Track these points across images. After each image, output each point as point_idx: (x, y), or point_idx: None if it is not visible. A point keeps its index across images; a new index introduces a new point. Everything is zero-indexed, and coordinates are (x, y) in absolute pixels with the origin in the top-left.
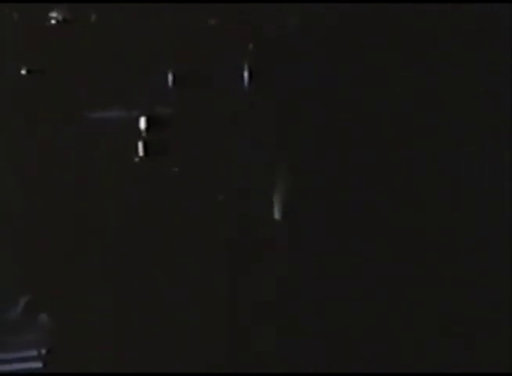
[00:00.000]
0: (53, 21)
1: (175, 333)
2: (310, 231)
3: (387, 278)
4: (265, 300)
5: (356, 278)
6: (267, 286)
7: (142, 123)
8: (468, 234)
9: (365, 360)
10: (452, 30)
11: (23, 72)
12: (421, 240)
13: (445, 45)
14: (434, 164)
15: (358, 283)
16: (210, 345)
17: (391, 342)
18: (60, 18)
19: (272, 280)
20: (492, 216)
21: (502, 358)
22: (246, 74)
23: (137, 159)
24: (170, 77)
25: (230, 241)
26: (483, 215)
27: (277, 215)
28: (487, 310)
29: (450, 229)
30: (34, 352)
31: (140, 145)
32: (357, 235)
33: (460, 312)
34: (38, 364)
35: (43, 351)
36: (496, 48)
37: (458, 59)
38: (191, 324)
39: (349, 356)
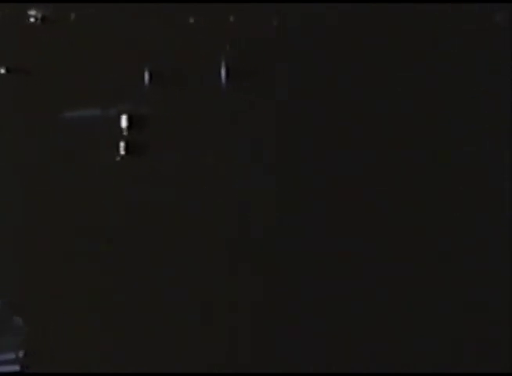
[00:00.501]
0: (32, 19)
1: (161, 334)
2: (309, 230)
3: (386, 278)
4: (264, 300)
5: (356, 278)
6: (267, 286)
7: (124, 121)
8: (468, 234)
9: (365, 360)
10: (452, 30)
11: (2, 71)
12: (421, 240)
13: (445, 45)
14: (433, 164)
15: (358, 283)
16: (203, 346)
17: (391, 342)
18: (39, 16)
19: (272, 280)
20: (492, 216)
21: (503, 358)
22: (223, 72)
23: (118, 158)
24: (146, 76)
25: (213, 238)
26: (483, 215)
27: None
28: (487, 310)
29: (450, 229)
30: (11, 356)
31: (122, 144)
32: (357, 235)
33: (460, 312)
34: (16, 367)
35: (20, 354)
36: (496, 48)
37: (458, 59)
38: (178, 325)
39: (349, 356)
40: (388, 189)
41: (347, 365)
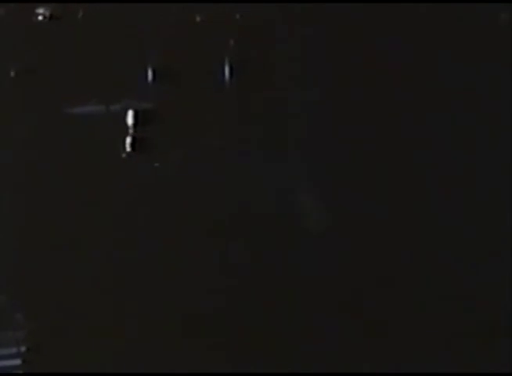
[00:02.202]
0: (40, 17)
1: (164, 331)
2: (309, 230)
3: (387, 278)
4: (264, 299)
5: (356, 277)
6: (266, 285)
7: (130, 118)
8: (468, 234)
9: (365, 360)
10: (452, 30)
11: (9, 68)
12: (421, 240)
13: (445, 45)
14: (433, 164)
15: (358, 282)
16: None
17: (391, 342)
18: (47, 14)
19: (272, 280)
20: (492, 216)
21: (503, 358)
22: (227, 70)
23: (124, 155)
24: (151, 73)
25: (219, 235)
26: (483, 215)
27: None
28: (487, 310)
29: (450, 229)
30: (13, 350)
31: (128, 140)
32: (357, 234)
33: (460, 312)
34: (17, 362)
35: (22, 349)
36: (496, 49)
37: (458, 59)
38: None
39: (349, 356)
40: (387, 189)
41: (347, 365)
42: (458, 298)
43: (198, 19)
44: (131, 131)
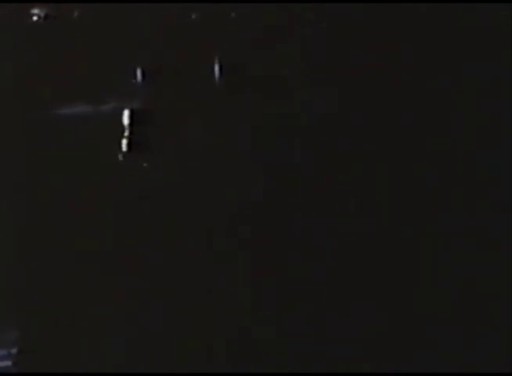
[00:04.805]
0: (35, 18)
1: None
2: (309, 230)
3: (387, 277)
4: (264, 299)
5: (356, 277)
6: (265, 285)
7: (126, 119)
8: (468, 234)
9: (365, 360)
10: (452, 29)
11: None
12: (421, 240)
13: (445, 44)
14: (433, 164)
15: (358, 282)
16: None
17: (391, 342)
18: (41, 15)
19: (271, 280)
20: (492, 216)
21: (503, 358)
22: (216, 69)
23: (120, 155)
24: (140, 73)
25: (216, 234)
26: (483, 215)
27: None
28: (487, 310)
29: (450, 229)
30: (4, 352)
31: (124, 141)
32: (356, 234)
33: (460, 312)
34: (8, 363)
35: (13, 351)
36: (496, 48)
37: (458, 59)
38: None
39: (349, 356)
40: (386, 189)
41: (347, 365)
42: (458, 298)
43: (193, 16)
44: (126, 131)
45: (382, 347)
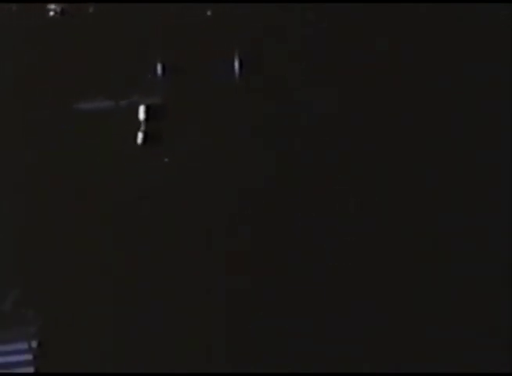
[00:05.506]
0: (52, 13)
1: (166, 328)
2: (309, 229)
3: (387, 277)
4: (263, 299)
5: (355, 277)
6: (266, 285)
7: (141, 113)
8: (468, 234)
9: (365, 360)
10: (452, 29)
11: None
12: (420, 240)
13: (445, 44)
14: (433, 164)
15: (358, 282)
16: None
17: (391, 342)
18: (58, 10)
19: (271, 280)
20: (492, 216)
21: (503, 358)
22: (236, 65)
23: (135, 148)
24: (159, 68)
25: (227, 229)
26: (483, 215)
27: None
28: (487, 310)
29: (450, 229)
30: (24, 345)
31: (139, 135)
32: (356, 234)
33: (460, 312)
34: (29, 356)
35: (33, 344)
36: (496, 48)
37: (458, 59)
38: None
39: (349, 356)
40: (386, 189)
41: (347, 365)
42: (458, 298)
43: (209, 13)
44: (142, 125)
45: (382, 347)
